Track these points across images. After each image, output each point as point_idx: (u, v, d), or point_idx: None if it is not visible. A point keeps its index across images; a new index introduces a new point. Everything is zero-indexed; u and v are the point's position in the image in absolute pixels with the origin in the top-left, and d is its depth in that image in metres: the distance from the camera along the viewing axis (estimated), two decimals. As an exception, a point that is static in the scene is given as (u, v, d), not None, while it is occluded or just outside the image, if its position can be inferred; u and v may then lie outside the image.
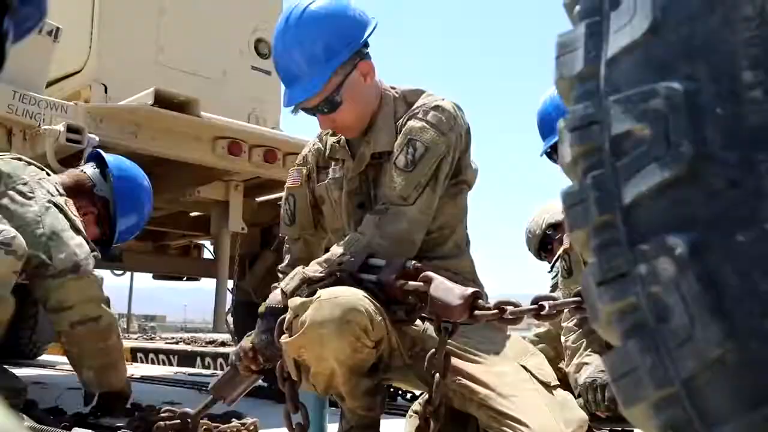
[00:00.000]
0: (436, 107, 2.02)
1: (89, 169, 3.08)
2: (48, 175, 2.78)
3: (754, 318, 0.57)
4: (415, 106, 2.06)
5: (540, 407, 1.81)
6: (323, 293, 1.76)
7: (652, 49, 0.63)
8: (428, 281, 1.77)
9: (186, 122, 3.83)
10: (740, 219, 0.58)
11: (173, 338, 13.55)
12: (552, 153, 3.24)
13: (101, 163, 3.14)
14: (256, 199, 4.94)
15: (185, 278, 6.05)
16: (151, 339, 13.70)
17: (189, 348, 9.11)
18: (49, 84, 4.05)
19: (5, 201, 2.52)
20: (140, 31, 4.44)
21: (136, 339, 13.12)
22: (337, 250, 1.94)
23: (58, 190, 2.71)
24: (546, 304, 1.65)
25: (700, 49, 0.61)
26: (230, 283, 4.81)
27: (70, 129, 3.37)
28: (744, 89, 0.58)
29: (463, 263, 2.14)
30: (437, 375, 1.76)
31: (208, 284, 5.24)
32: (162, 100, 3.71)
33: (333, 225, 2.23)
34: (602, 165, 0.66)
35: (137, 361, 8.63)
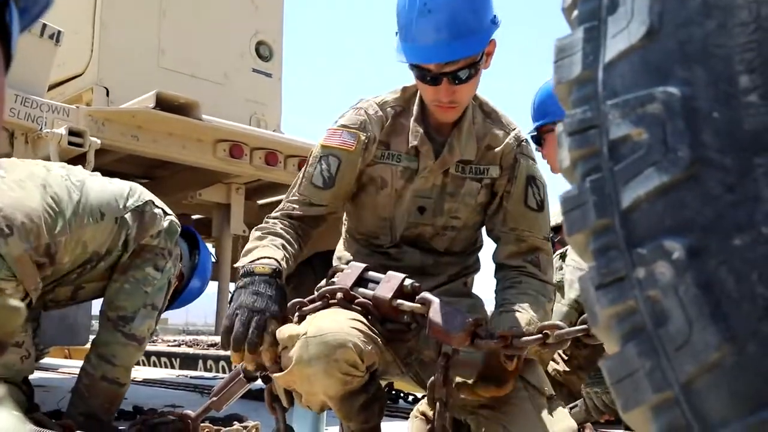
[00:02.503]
0: (526, 141, 2.08)
1: (183, 245, 3.36)
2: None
3: (751, 321, 0.57)
4: (503, 127, 2.06)
5: (530, 416, 1.77)
6: (309, 328, 1.67)
7: (650, 53, 0.63)
8: (427, 303, 1.71)
9: (187, 125, 3.84)
10: (737, 223, 0.58)
11: (175, 341, 13.56)
12: (540, 137, 3.20)
13: (192, 241, 3.50)
14: (258, 201, 4.95)
15: (187, 281, 6.05)
16: (153, 342, 13.71)
17: (191, 351, 9.12)
18: (51, 87, 4.06)
19: (149, 258, 2.78)
20: (141, 35, 4.45)
21: (138, 341, 13.10)
22: (526, 315, 1.85)
23: (177, 268, 2.96)
24: (551, 333, 1.62)
25: (696, 54, 0.61)
26: (232, 286, 4.81)
27: (71, 132, 3.38)
28: (740, 93, 0.59)
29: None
30: (439, 404, 1.71)
31: (209, 287, 5.24)
32: (163, 103, 3.71)
33: (382, 212, 2.07)
34: (600, 169, 0.66)
35: (139, 364, 8.63)
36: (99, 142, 3.50)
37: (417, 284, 1.78)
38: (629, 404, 0.63)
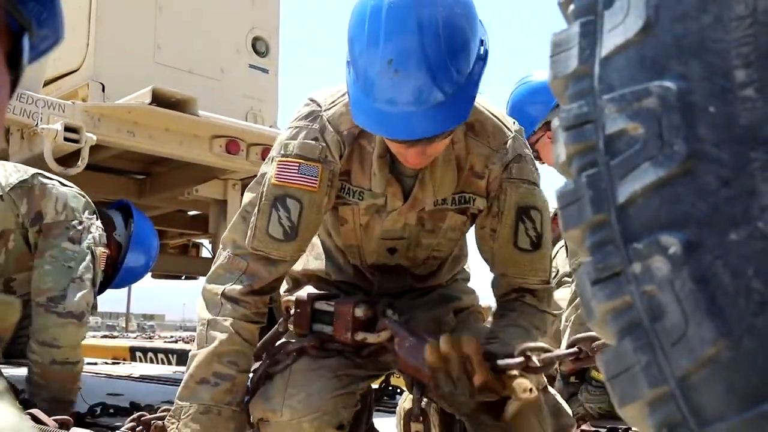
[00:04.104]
0: (519, 157, 1.68)
1: (116, 216, 3.39)
2: (95, 216, 2.94)
3: (747, 316, 0.57)
4: (488, 143, 1.68)
5: (528, 418, 1.72)
6: (284, 410, 1.60)
7: (646, 48, 0.63)
8: (391, 336, 1.61)
9: (184, 121, 3.83)
10: (733, 217, 0.58)
11: (172, 337, 13.55)
12: None
13: (126, 212, 3.48)
14: (254, 197, 4.93)
15: (184, 277, 6.06)
16: (149, 338, 13.71)
17: (188, 347, 9.11)
18: (47, 83, 4.05)
19: (61, 233, 2.72)
20: (138, 30, 4.43)
21: (134, 338, 13.13)
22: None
23: (100, 239, 2.89)
24: (533, 356, 1.46)
25: (693, 48, 0.61)
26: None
27: (67, 128, 3.38)
28: (736, 88, 0.58)
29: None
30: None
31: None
32: (160, 99, 3.71)
33: (346, 241, 1.82)
34: (596, 164, 0.66)
35: (136, 360, 8.63)
36: (95, 137, 3.49)
37: (369, 310, 1.64)
38: (625, 399, 0.63)
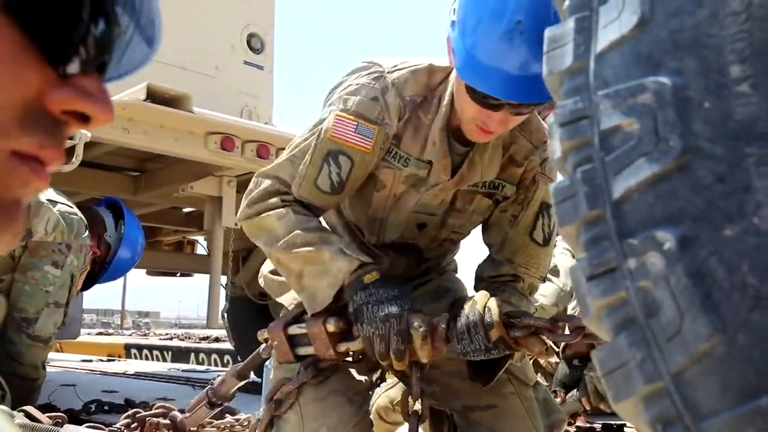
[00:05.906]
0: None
1: (107, 216, 3.52)
2: (88, 237, 2.99)
3: (742, 311, 0.57)
4: (531, 139, 1.74)
5: (519, 415, 1.75)
6: None
7: (641, 43, 0.63)
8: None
9: (178, 117, 3.82)
10: (728, 213, 0.58)
11: (167, 334, 13.56)
12: None
13: (117, 212, 3.62)
14: (250, 194, 4.92)
15: (179, 274, 6.05)
16: (144, 335, 13.71)
17: (183, 344, 9.12)
18: (41, 80, 4.03)
19: (46, 255, 2.77)
20: (132, 26, 4.42)
21: (129, 335, 13.12)
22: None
23: (84, 259, 2.96)
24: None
25: (688, 44, 0.61)
26: (224, 279, 4.81)
27: (61, 125, 3.36)
28: (731, 83, 0.58)
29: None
30: (413, 416, 1.65)
31: (201, 280, 5.25)
32: (154, 96, 3.69)
33: (373, 213, 1.79)
34: (592, 160, 0.66)
35: (131, 357, 8.63)
36: (89, 134, 3.47)
37: (340, 320, 1.62)
38: (620, 395, 0.63)
